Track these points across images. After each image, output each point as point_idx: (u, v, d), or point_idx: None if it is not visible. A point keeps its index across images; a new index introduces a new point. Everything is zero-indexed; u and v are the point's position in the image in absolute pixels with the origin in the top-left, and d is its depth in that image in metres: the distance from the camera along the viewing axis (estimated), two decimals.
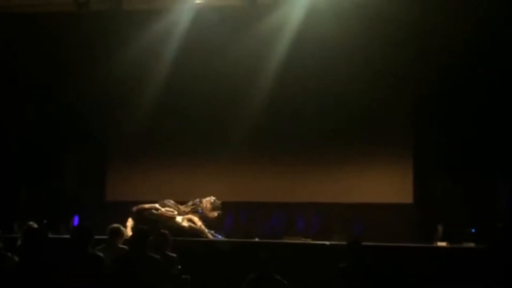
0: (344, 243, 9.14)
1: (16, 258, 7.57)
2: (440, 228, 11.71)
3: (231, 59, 13.29)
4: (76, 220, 13.05)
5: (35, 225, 8.88)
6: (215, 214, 12.01)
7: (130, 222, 11.54)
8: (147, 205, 11.70)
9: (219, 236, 11.73)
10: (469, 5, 12.29)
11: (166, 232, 8.78)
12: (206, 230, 11.60)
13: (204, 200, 12.03)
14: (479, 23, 12.25)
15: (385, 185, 13.20)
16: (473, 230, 11.56)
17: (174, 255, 8.55)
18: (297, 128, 13.52)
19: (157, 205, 11.70)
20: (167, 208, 11.70)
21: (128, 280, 7.19)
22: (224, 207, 13.43)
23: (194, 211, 11.93)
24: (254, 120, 13.40)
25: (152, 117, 13.76)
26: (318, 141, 13.49)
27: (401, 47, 12.79)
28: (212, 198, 12.08)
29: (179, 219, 11.60)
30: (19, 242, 8.38)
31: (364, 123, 13.28)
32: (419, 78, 13.07)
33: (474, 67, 12.54)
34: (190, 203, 12.03)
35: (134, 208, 11.67)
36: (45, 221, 12.55)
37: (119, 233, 8.51)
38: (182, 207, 11.94)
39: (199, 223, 11.68)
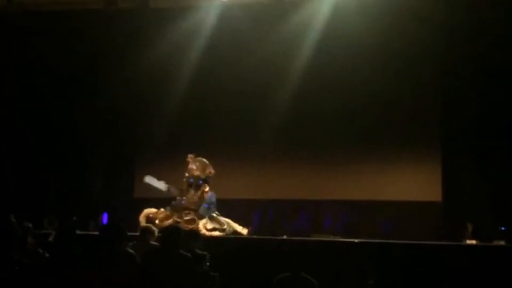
0: (373, 240, 9.08)
1: (47, 254, 7.62)
2: (469, 226, 11.62)
3: (257, 57, 13.31)
4: (105, 217, 13.12)
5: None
6: (210, 171, 11.88)
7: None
8: (166, 221, 11.49)
9: None
10: (496, 4, 12.19)
11: (197, 230, 8.78)
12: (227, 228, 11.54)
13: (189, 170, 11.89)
14: (505, 19, 12.15)
15: (413, 182, 13.12)
16: (503, 228, 11.44)
17: (205, 252, 8.56)
18: (324, 126, 13.48)
19: (175, 218, 11.56)
20: (187, 218, 11.58)
21: (158, 277, 7.21)
22: (251, 205, 13.49)
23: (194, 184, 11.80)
24: (280, 118, 13.38)
25: (179, 114, 13.79)
26: (344, 139, 13.45)
27: (428, 44, 12.72)
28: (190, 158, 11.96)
29: (201, 226, 11.47)
30: (50, 238, 8.43)
31: (391, 120, 13.21)
32: (446, 75, 13.00)
33: (502, 62, 12.41)
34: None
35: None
36: (74, 218, 12.65)
37: (150, 231, 8.54)
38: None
39: (223, 224, 11.59)
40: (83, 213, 13.12)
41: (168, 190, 11.90)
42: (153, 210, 11.78)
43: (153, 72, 13.76)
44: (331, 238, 11.55)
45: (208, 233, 11.15)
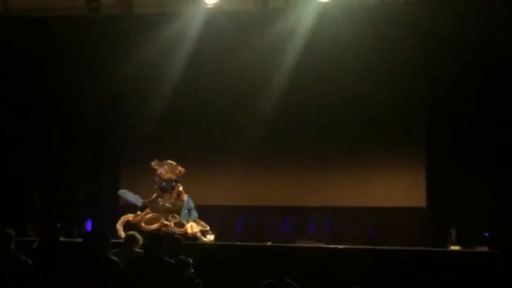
0: (358, 246, 9.09)
1: (30, 261, 7.58)
2: (453, 231, 11.67)
3: (242, 63, 13.31)
4: (89, 224, 13.07)
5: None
6: (180, 169, 11.94)
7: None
8: (153, 224, 11.52)
9: None
10: (482, 10, 12.29)
11: (180, 236, 8.78)
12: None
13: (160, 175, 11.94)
14: (492, 27, 12.25)
15: (397, 188, 13.16)
16: (486, 234, 11.50)
17: (189, 259, 8.55)
18: (308, 133, 13.51)
19: (163, 221, 11.58)
20: (175, 221, 11.59)
21: (142, 284, 7.19)
22: (235, 211, 13.49)
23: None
24: (265, 124, 13.38)
25: (164, 121, 13.77)
26: (329, 145, 13.47)
27: (413, 51, 12.78)
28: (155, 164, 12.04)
29: (189, 229, 11.50)
30: (35, 245, 8.38)
31: (376, 126, 13.25)
32: (432, 82, 13.05)
33: (487, 69, 12.51)
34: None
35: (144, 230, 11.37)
36: (58, 225, 12.60)
37: (135, 239, 8.52)
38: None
39: (206, 226, 11.65)
40: (67, 220, 13.07)
41: (143, 204, 11.90)
42: (130, 215, 11.77)
43: (137, 79, 13.75)
44: (315, 245, 11.56)
45: (199, 236, 11.19)
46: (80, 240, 7.59)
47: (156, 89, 13.79)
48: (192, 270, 8.63)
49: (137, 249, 8.44)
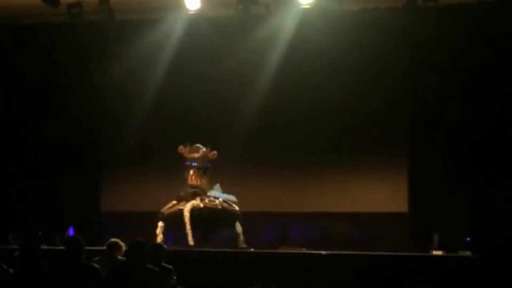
0: (340, 252, 9.09)
1: (11, 270, 7.53)
2: (435, 236, 11.72)
3: (224, 69, 13.33)
4: (71, 231, 12.99)
5: None
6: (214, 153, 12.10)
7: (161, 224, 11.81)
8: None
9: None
10: (464, 17, 12.38)
11: (162, 243, 8.77)
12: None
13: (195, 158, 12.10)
14: (474, 35, 12.34)
15: (380, 194, 13.19)
16: (468, 239, 11.56)
17: (170, 266, 8.54)
18: (291, 138, 13.52)
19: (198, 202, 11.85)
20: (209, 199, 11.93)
21: None
22: None
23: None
24: (247, 130, 13.39)
25: (146, 126, 13.75)
26: (311, 151, 13.48)
27: (396, 58, 12.84)
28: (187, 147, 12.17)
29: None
30: (16, 253, 8.32)
31: (358, 132, 13.28)
32: (413, 88, 13.10)
33: (470, 76, 12.59)
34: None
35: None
36: (40, 232, 12.52)
37: (117, 246, 8.50)
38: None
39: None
40: (49, 227, 13.00)
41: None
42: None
43: (120, 85, 13.71)
44: (298, 250, 11.57)
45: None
46: (62, 247, 7.55)
47: (139, 95, 13.78)
48: (175, 278, 8.61)
49: (119, 256, 8.41)
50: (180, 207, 11.92)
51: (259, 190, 13.58)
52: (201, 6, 13.03)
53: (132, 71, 13.47)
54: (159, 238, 11.74)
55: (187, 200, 11.99)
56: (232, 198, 12.18)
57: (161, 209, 12.11)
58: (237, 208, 12.09)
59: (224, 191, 12.44)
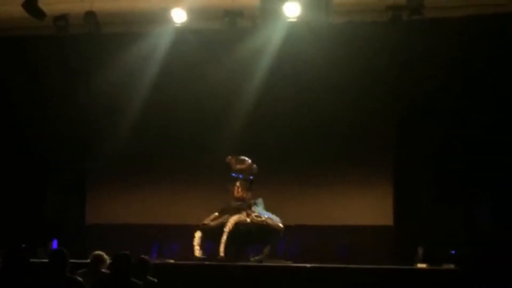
0: (325, 265, 9.08)
1: None
2: (420, 250, 11.75)
3: (211, 82, 13.37)
4: (55, 244, 12.93)
5: None
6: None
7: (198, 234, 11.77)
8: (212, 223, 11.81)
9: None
10: (449, 29, 12.48)
11: (146, 257, 8.72)
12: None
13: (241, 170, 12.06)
14: (459, 47, 12.43)
15: (365, 207, 13.23)
16: (453, 252, 11.59)
17: (155, 280, 8.50)
18: (276, 150, 13.53)
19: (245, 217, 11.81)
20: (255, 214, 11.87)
21: None
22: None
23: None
24: (233, 142, 13.38)
25: (132, 139, 13.72)
26: (297, 164, 13.49)
27: (381, 71, 12.89)
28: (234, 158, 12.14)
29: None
30: None
31: (343, 145, 13.32)
32: (400, 100, 13.16)
33: (453, 91, 12.68)
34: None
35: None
36: (23, 245, 12.43)
37: (102, 259, 8.44)
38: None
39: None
40: (33, 240, 12.92)
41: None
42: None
43: (106, 97, 13.71)
44: (283, 264, 11.56)
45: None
46: (46, 260, 7.51)
47: (124, 109, 13.76)
48: None
49: (103, 270, 8.37)
50: (224, 220, 11.83)
51: None
52: (188, 19, 13.07)
53: (117, 84, 13.48)
54: (197, 250, 11.68)
55: (231, 213, 11.90)
56: (275, 217, 12.09)
57: (203, 220, 12.07)
58: (281, 225, 12.04)
59: (211, 203, 12.43)
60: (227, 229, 11.61)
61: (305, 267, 10.77)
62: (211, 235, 11.85)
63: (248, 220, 11.86)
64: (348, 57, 12.96)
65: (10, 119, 14.00)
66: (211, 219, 12.00)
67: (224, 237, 11.55)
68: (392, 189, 13.16)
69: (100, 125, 14.14)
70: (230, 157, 12.15)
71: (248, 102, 13.38)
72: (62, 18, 13.16)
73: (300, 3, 12.66)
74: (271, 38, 13.07)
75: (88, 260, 8.62)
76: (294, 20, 12.80)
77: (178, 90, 13.63)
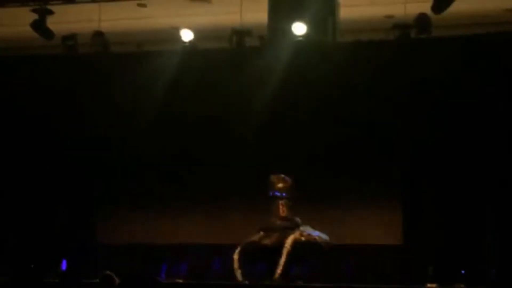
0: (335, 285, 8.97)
1: None
2: (430, 269, 11.69)
3: (219, 101, 13.35)
4: (64, 264, 12.90)
5: None
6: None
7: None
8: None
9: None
10: (457, 50, 12.44)
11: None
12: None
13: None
14: (467, 67, 12.40)
15: (374, 225, 13.15)
16: (463, 272, 11.53)
17: None
18: (285, 169, 13.47)
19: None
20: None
21: None
22: (213, 250, 13.36)
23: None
24: (244, 162, 13.30)
25: (141, 159, 13.69)
26: (306, 183, 13.43)
27: (389, 90, 12.86)
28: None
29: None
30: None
31: (352, 164, 13.25)
32: (408, 120, 13.09)
33: (463, 109, 12.63)
34: None
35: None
36: (32, 265, 12.43)
37: (110, 280, 8.45)
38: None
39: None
40: (42, 260, 12.89)
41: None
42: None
43: (115, 116, 13.68)
44: (295, 284, 11.51)
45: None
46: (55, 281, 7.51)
47: (133, 128, 13.72)
48: None
49: None
50: (277, 239, 11.71)
51: (249, 221, 13.43)
52: (195, 39, 13.14)
53: (126, 104, 13.47)
54: (239, 273, 11.62)
55: (281, 233, 11.78)
56: (324, 235, 12.04)
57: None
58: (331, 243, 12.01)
59: (220, 224, 12.36)
60: (286, 249, 11.48)
61: (314, 286, 10.70)
62: (262, 255, 11.72)
63: (303, 239, 11.76)
64: (356, 75, 12.94)
65: (15, 139, 13.97)
66: (259, 239, 11.83)
67: (284, 257, 11.41)
68: (401, 208, 13.08)
69: (108, 144, 14.08)
70: (272, 175, 12.04)
71: (256, 121, 13.34)
72: (70, 37, 13.27)
73: (308, 22, 12.70)
74: (279, 57, 13.08)
75: (97, 280, 8.63)
76: (301, 38, 12.84)
77: (186, 110, 13.60)
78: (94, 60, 13.46)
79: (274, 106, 13.22)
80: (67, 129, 13.79)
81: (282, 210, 11.91)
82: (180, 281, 11.83)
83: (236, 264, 11.64)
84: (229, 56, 13.39)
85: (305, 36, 12.80)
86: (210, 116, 13.50)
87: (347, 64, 12.85)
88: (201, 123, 13.57)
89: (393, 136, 13.17)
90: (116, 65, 13.47)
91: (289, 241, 11.59)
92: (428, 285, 11.27)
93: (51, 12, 13.09)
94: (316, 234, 11.93)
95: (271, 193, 11.95)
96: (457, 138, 12.70)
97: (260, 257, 11.78)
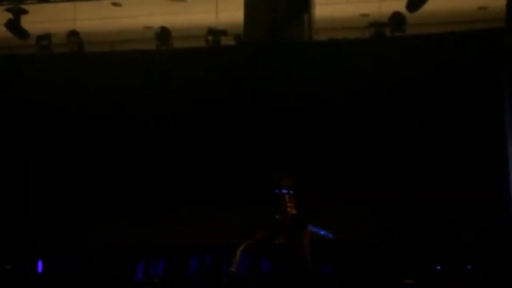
0: None
1: None
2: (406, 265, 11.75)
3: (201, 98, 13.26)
4: (40, 265, 12.78)
5: None
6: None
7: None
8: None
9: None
10: (432, 48, 12.53)
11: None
12: None
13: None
14: (442, 65, 12.47)
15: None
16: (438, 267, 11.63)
17: None
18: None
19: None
20: None
21: None
22: None
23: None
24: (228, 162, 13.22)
25: (121, 158, 13.55)
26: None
27: (367, 90, 12.84)
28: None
29: None
30: None
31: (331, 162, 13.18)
32: (384, 117, 13.10)
33: (437, 106, 12.71)
34: None
35: None
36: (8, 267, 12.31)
37: None
38: None
39: None
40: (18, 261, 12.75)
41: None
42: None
43: (92, 113, 13.58)
44: None
45: None
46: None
47: (111, 129, 13.56)
48: None
49: None
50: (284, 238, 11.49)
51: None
52: (171, 38, 13.12)
53: (100, 103, 13.37)
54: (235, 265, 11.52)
55: (292, 231, 11.50)
56: (330, 235, 11.97)
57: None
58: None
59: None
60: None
61: None
62: (273, 253, 11.69)
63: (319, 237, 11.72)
64: (331, 74, 12.97)
65: None
66: (268, 236, 11.69)
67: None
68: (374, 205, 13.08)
69: (85, 145, 13.90)
70: (278, 173, 11.96)
71: (241, 119, 13.24)
72: (45, 37, 13.20)
73: (283, 21, 12.73)
74: (256, 56, 13.09)
75: None
76: (277, 37, 12.85)
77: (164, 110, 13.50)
78: (69, 59, 13.36)
79: (254, 105, 13.18)
80: (43, 129, 13.66)
81: (291, 208, 11.80)
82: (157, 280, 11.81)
83: (237, 258, 11.59)
84: (204, 56, 13.34)
85: (281, 34, 12.81)
86: (189, 114, 13.40)
87: (323, 62, 12.88)
88: (182, 121, 13.47)
89: (367, 134, 13.19)
90: (90, 64, 13.37)
91: (306, 239, 11.55)
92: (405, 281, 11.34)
93: (25, 12, 13.01)
94: (322, 232, 11.90)
95: (277, 191, 11.82)
96: (432, 136, 12.75)
97: (272, 255, 11.71)
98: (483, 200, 12.03)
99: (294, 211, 11.58)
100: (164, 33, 13.20)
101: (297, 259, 11.24)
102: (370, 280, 11.16)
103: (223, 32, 13.14)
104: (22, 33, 12.96)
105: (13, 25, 12.88)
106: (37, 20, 13.24)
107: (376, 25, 12.78)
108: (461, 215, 12.31)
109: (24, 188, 13.67)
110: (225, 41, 13.23)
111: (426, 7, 12.27)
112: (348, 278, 11.40)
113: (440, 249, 12.20)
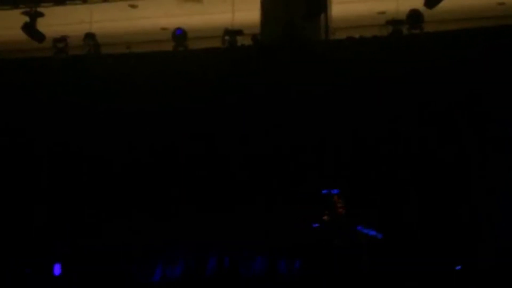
0: None
1: None
2: None
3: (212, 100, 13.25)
4: (57, 268, 12.76)
5: None
6: None
7: None
8: None
9: None
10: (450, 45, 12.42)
11: None
12: None
13: None
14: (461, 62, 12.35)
15: None
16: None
17: None
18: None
19: None
20: None
21: None
22: None
23: None
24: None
25: (132, 158, 13.57)
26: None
27: (385, 87, 12.77)
28: None
29: None
30: None
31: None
32: (400, 115, 13.01)
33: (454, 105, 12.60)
34: None
35: None
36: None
37: None
38: None
39: None
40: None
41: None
42: None
43: (106, 118, 13.59)
44: None
45: None
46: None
47: (127, 128, 13.60)
48: None
49: None
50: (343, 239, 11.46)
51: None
52: (188, 39, 13.10)
53: (118, 106, 13.37)
54: None
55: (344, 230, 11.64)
56: (379, 235, 11.90)
57: None
58: None
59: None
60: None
61: None
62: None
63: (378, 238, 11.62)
64: (349, 73, 12.89)
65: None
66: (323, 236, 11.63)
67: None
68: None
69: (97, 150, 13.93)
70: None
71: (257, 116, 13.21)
72: (61, 40, 13.25)
73: (300, 21, 12.68)
74: (272, 56, 13.04)
75: None
76: (294, 37, 12.80)
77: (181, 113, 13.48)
78: (85, 61, 13.38)
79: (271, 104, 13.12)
80: (60, 130, 13.68)
81: (339, 208, 11.67)
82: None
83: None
84: (221, 57, 13.30)
85: (298, 33, 12.77)
86: (207, 113, 13.37)
87: (340, 61, 12.81)
88: (199, 121, 13.43)
89: (385, 131, 13.10)
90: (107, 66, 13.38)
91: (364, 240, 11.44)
92: None
93: (41, 15, 13.07)
94: (372, 233, 11.80)
95: (325, 191, 11.71)
96: (449, 134, 12.63)
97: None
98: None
99: (342, 211, 11.49)
100: (180, 34, 13.21)
101: (353, 258, 11.22)
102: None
103: (240, 32, 13.10)
104: (38, 36, 13.00)
105: (30, 28, 12.94)
106: (53, 23, 13.28)
107: (394, 23, 12.70)
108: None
109: (39, 192, 13.73)
110: (241, 41, 13.18)
111: (444, 4, 12.15)
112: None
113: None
